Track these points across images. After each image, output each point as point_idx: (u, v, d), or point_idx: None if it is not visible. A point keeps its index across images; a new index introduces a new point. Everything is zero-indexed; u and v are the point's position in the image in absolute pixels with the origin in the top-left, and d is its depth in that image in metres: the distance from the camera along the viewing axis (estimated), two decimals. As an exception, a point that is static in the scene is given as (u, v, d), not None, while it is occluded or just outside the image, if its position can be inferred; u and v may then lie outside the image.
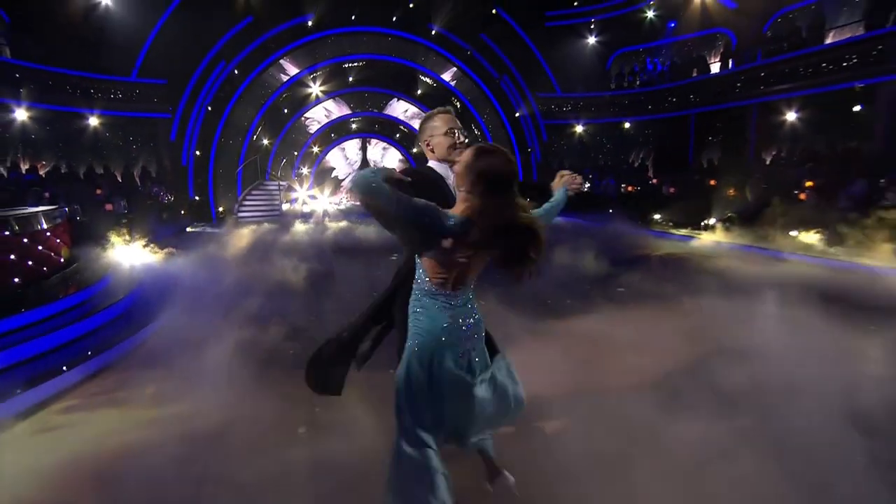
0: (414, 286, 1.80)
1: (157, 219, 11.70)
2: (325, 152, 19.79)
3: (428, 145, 2.13)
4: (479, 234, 1.60)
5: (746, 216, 10.11)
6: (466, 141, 2.10)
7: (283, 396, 3.17)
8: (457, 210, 1.68)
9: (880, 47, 11.39)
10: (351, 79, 17.78)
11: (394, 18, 16.16)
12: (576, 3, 17.58)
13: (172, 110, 14.66)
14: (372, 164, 21.10)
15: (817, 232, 8.52)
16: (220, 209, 15.46)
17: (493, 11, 16.85)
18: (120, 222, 10.08)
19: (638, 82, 18.08)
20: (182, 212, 14.04)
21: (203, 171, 15.24)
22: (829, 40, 13.26)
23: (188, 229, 13.00)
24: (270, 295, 5.86)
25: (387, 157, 21.18)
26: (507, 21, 17.74)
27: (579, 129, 18.66)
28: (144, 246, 8.72)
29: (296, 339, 4.36)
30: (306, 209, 16.71)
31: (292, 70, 16.38)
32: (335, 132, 19.59)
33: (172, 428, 2.87)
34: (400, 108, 19.17)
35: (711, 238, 10.16)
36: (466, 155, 1.71)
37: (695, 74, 16.48)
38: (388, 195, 1.56)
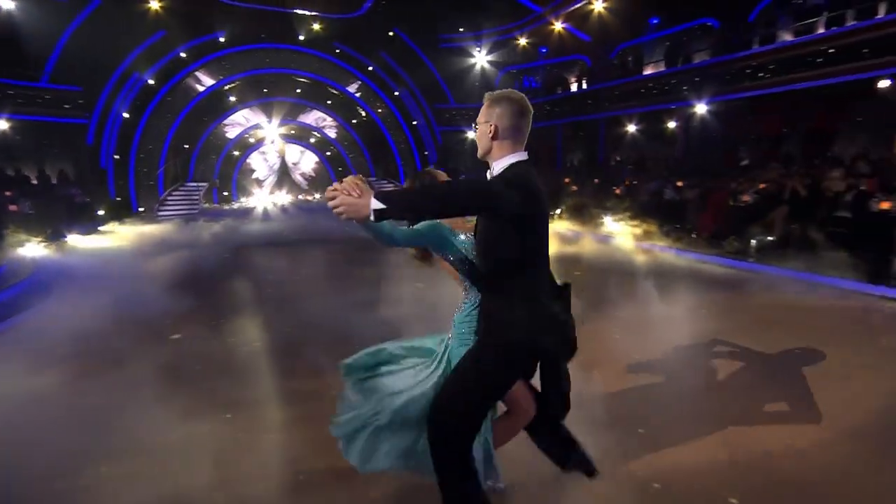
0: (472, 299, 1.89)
1: (68, 218, 12.25)
2: (244, 156, 21.41)
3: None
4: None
5: (577, 207, 13.46)
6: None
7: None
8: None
9: (673, 81, 15.29)
10: (266, 90, 19.60)
11: (301, 37, 18.24)
12: (461, 29, 20.54)
13: (88, 116, 15.74)
14: (292, 165, 22.91)
15: (617, 220, 11.77)
16: (142, 209, 16.73)
17: (391, 33, 19.40)
18: (23, 221, 10.38)
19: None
20: (100, 212, 15.12)
21: (124, 173, 16.44)
22: (646, 72, 17.18)
23: (101, 228, 13.84)
24: (159, 287, 6.20)
25: (303, 159, 23.10)
26: (406, 41, 20.41)
27: (470, 135, 21.77)
28: (41, 242, 9.39)
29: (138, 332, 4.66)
30: (250, 206, 18.48)
31: (208, 81, 17.97)
32: (254, 138, 21.28)
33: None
34: (313, 117, 21.24)
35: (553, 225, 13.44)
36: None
37: (559, 91, 20.09)
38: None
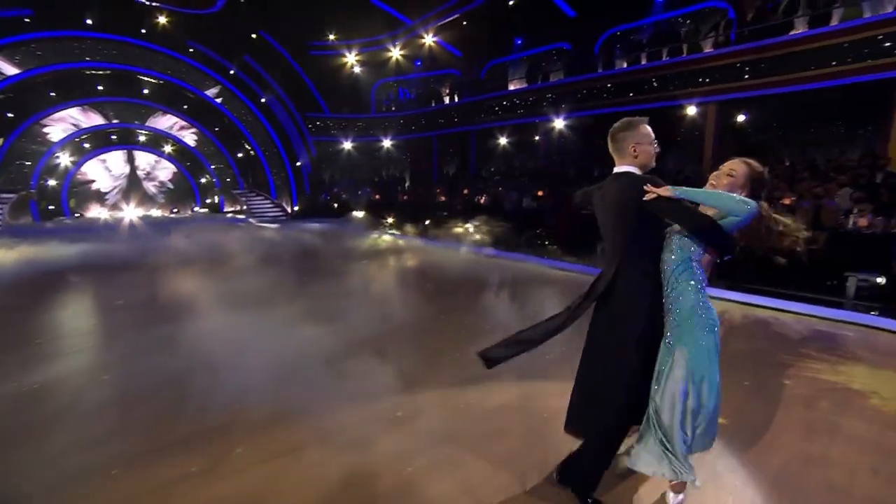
0: (696, 283, 1.99)
1: None
2: (78, 164, 18.37)
3: (634, 151, 2.12)
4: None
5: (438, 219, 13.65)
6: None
7: None
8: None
9: (532, 98, 16.37)
10: (102, 87, 17.04)
11: (143, 30, 16.18)
12: (332, 37, 19.98)
13: None
14: (144, 174, 20.29)
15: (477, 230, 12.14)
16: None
17: (254, 35, 18.15)
18: None
19: (393, 108, 21.47)
20: None
21: None
22: (511, 87, 18.23)
23: None
24: None
25: (158, 169, 20.57)
26: (274, 45, 19.25)
27: (347, 145, 21.22)
28: None
29: None
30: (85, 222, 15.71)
31: (9, 70, 15.00)
32: (89, 143, 18.37)
33: None
34: (166, 122, 19.00)
35: (400, 233, 13.46)
36: (742, 168, 2.09)
37: (433, 104, 20.46)
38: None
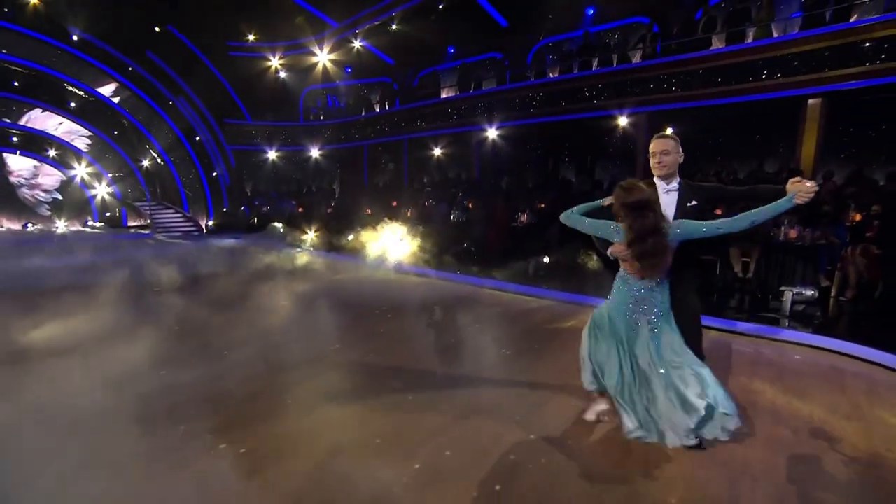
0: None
1: None
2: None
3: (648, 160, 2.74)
4: (632, 243, 2.42)
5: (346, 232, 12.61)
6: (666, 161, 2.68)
7: None
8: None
9: (464, 107, 15.82)
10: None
11: (5, 10, 13.82)
12: (251, 38, 18.50)
13: None
14: (20, 181, 17.60)
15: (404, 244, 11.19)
16: None
17: (158, 28, 16.30)
18: None
19: (322, 116, 20.21)
20: None
21: None
22: (443, 95, 17.62)
23: None
24: None
25: (41, 175, 17.94)
26: (185, 43, 17.45)
27: (272, 155, 19.63)
28: None
29: None
30: None
31: None
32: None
33: None
34: (51, 122, 16.59)
35: (320, 249, 12.33)
36: (615, 196, 2.51)
37: (363, 112, 19.44)
38: (581, 221, 2.64)
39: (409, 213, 13.03)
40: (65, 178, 17.78)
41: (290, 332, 4.99)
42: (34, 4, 14.35)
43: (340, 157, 20.45)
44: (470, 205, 12.57)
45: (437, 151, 17.70)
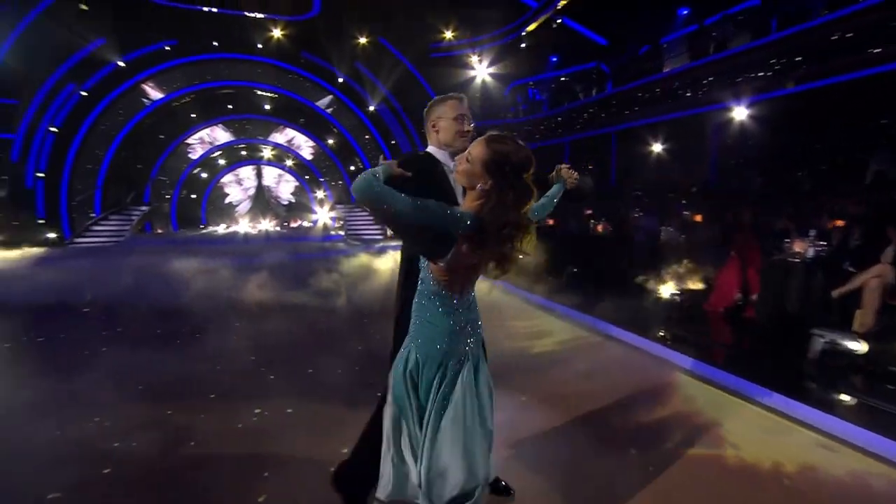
0: (419, 288, 1.71)
1: None
2: (216, 178, 19.49)
3: (434, 127, 2.01)
4: (489, 232, 1.51)
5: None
6: (474, 131, 1.99)
7: None
8: (466, 206, 1.58)
9: (703, 78, 11.48)
10: (231, 106, 17.62)
11: (259, 45, 16.10)
12: (449, 36, 17.73)
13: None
14: (269, 189, 20.86)
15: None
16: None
17: (365, 39, 16.88)
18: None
19: (520, 115, 18.27)
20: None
21: (53, 193, 14.71)
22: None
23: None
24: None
25: (282, 184, 20.93)
26: (390, 49, 17.84)
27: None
28: None
29: None
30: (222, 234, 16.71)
31: (156, 95, 16.13)
32: (225, 159, 19.33)
33: None
34: (285, 137, 19.04)
35: None
36: (478, 146, 1.58)
37: (566, 104, 16.60)
38: (394, 199, 1.46)
39: (598, 227, 9.77)
40: (297, 184, 20.24)
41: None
42: (277, 38, 16.48)
43: (539, 157, 18.09)
44: (697, 218, 8.60)
45: (656, 146, 13.61)
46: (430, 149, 2.02)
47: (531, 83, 19.29)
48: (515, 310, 6.25)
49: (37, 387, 3.48)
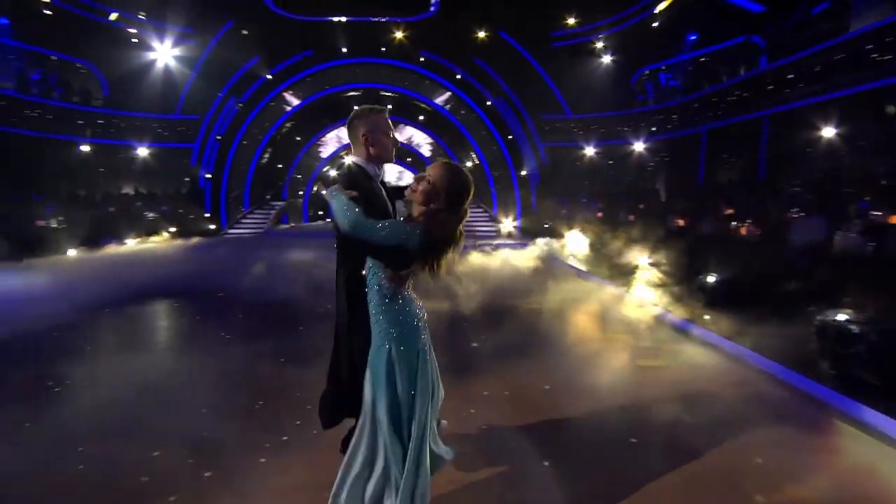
0: (373, 294, 1.86)
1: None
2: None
3: (367, 141, 2.00)
4: (435, 244, 1.78)
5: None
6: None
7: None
8: (414, 219, 1.83)
9: None
10: (357, 108, 18.87)
11: (382, 49, 16.91)
12: (570, 21, 16.70)
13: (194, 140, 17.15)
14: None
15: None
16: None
17: (483, 34, 16.74)
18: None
19: (650, 103, 16.64)
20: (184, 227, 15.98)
21: (216, 191, 17.27)
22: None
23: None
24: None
25: (402, 179, 21.87)
26: (510, 42, 17.47)
27: (588, 150, 17.55)
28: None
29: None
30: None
31: (294, 101, 17.93)
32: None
33: None
34: (404, 135, 19.80)
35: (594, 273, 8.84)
36: (439, 172, 1.82)
37: (706, 88, 14.60)
38: (373, 227, 1.71)
39: (741, 229, 8.35)
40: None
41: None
42: (399, 38, 17.24)
43: (669, 149, 16.31)
44: (893, 220, 6.89)
45: (825, 130, 11.21)
46: (358, 160, 2.02)
47: (663, 67, 17.46)
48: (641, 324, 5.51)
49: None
